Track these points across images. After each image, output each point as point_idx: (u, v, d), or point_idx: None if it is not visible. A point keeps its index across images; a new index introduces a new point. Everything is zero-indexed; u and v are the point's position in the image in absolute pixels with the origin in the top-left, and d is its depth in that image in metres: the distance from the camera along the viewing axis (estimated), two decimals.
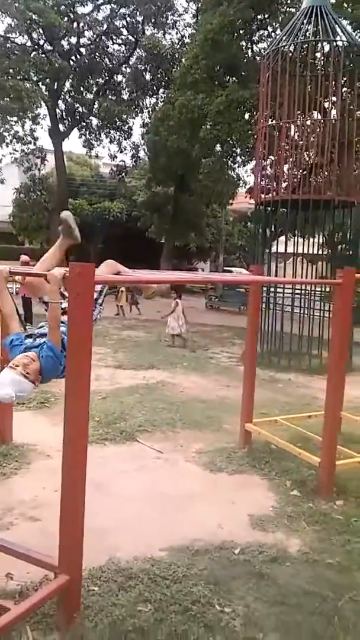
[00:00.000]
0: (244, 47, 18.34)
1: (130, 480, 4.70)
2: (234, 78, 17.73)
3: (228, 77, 17.97)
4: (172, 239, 27.54)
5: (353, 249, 11.88)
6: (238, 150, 18.21)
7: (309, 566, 3.47)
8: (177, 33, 24.11)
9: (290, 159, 11.47)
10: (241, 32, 17.27)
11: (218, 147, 18.24)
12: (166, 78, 22.81)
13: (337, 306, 4.36)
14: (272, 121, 10.89)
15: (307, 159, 11.44)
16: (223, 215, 32.21)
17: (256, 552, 3.58)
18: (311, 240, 12.20)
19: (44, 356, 2.84)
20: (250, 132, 15.86)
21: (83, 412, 2.63)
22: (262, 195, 11.16)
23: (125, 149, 25.42)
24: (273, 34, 19.36)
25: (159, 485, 4.64)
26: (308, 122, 11.54)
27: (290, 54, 10.56)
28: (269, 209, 11.59)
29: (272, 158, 11.67)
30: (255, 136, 13.99)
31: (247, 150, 17.41)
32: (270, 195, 10.93)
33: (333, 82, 10.62)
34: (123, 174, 27.10)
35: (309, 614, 2.98)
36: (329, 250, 14.63)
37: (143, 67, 23.67)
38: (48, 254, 3.39)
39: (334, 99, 11.57)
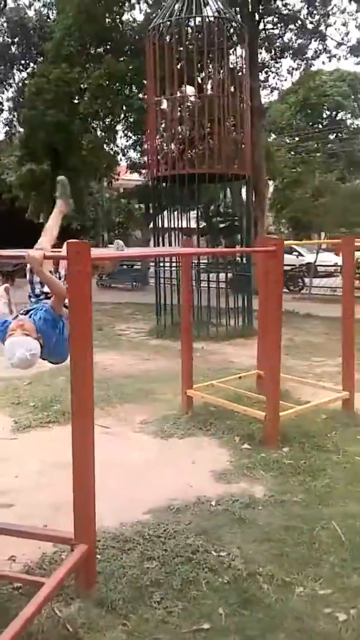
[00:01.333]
0: (114, 19, 18.12)
1: None
2: (101, 50, 17.50)
3: (99, 50, 17.69)
4: None
5: (240, 220, 12.64)
6: (119, 126, 18.12)
7: (279, 506, 3.85)
8: (44, 5, 23.01)
9: (166, 134, 11.69)
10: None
11: (99, 122, 17.98)
12: (34, 51, 21.78)
13: (271, 273, 4.73)
14: (161, 97, 11.03)
15: (185, 133, 11.77)
16: (103, 192, 31.79)
17: (230, 502, 3.89)
18: (187, 214, 12.65)
19: (41, 317, 2.94)
20: (129, 106, 15.86)
21: (88, 388, 2.73)
22: (155, 171, 11.32)
23: None
24: (137, 5, 19.26)
25: (117, 457, 4.74)
26: (192, 99, 11.94)
27: (165, 30, 10.73)
28: (160, 183, 11.83)
29: (157, 133, 11.84)
30: (140, 110, 14.05)
31: (130, 125, 17.39)
32: (165, 170, 11.10)
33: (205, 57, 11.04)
34: None
35: (293, 545, 3.35)
36: (204, 223, 15.33)
37: (10, 41, 22.39)
38: (49, 223, 3.62)
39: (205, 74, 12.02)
